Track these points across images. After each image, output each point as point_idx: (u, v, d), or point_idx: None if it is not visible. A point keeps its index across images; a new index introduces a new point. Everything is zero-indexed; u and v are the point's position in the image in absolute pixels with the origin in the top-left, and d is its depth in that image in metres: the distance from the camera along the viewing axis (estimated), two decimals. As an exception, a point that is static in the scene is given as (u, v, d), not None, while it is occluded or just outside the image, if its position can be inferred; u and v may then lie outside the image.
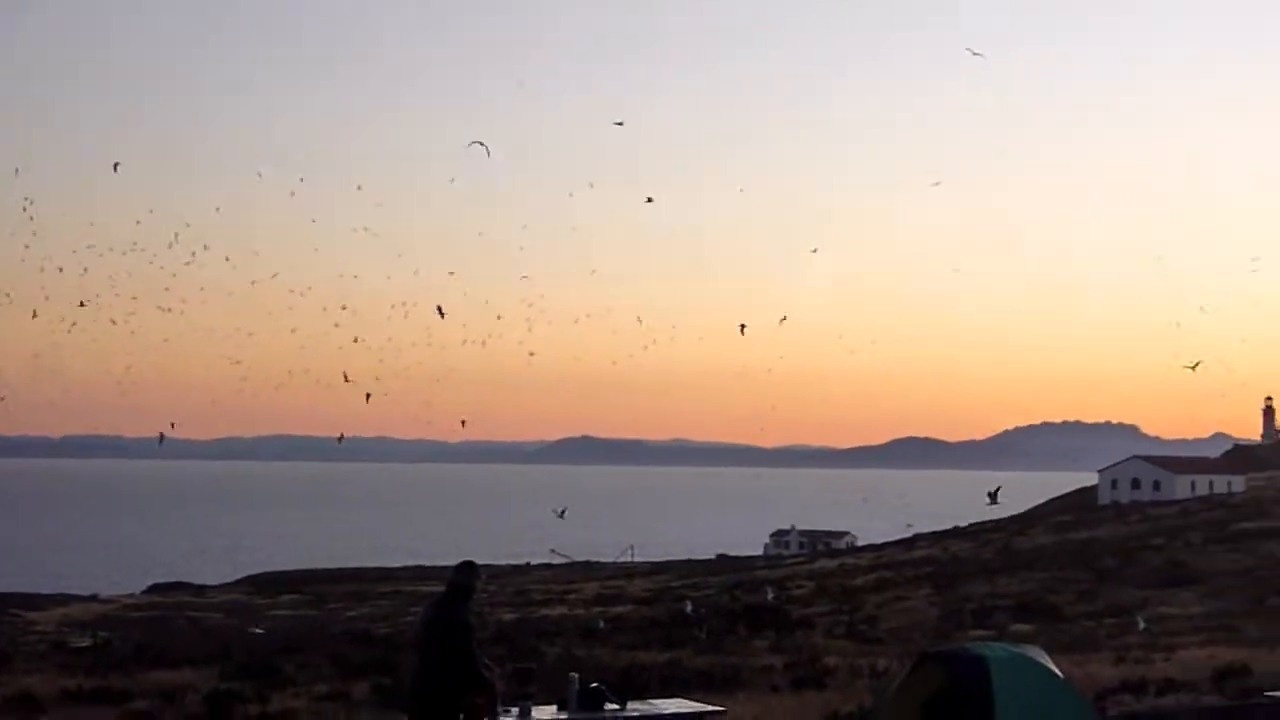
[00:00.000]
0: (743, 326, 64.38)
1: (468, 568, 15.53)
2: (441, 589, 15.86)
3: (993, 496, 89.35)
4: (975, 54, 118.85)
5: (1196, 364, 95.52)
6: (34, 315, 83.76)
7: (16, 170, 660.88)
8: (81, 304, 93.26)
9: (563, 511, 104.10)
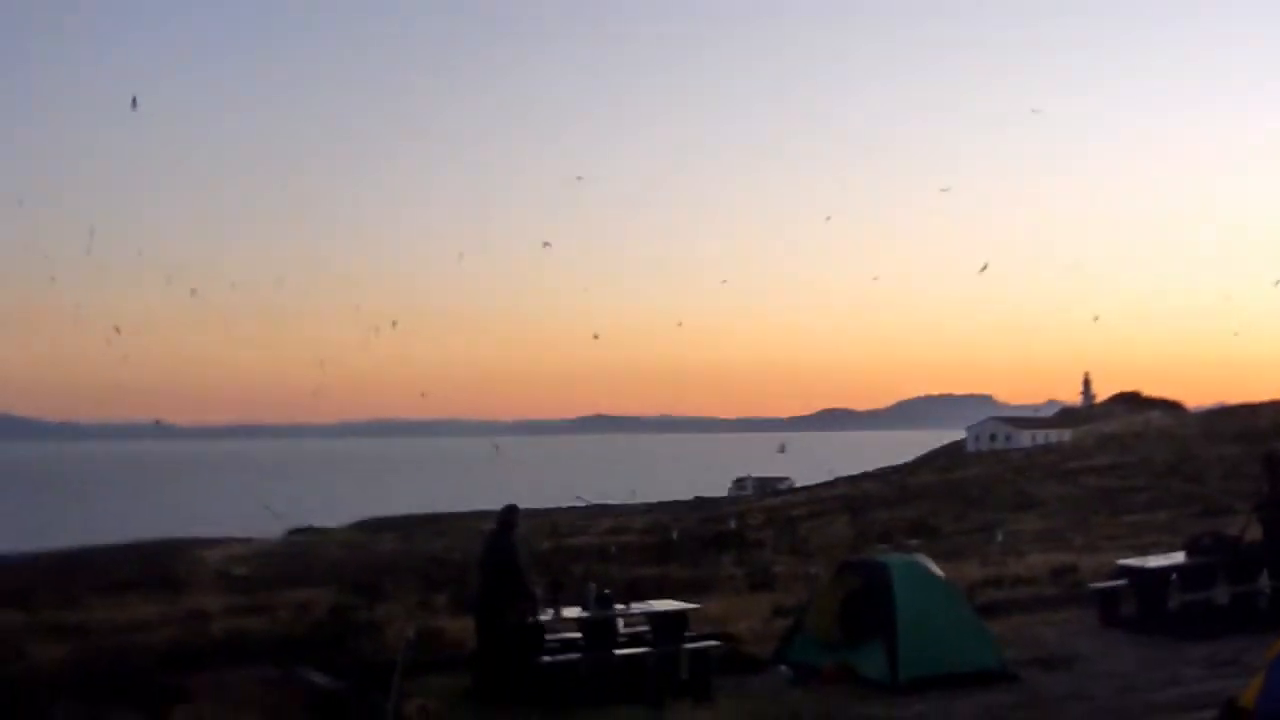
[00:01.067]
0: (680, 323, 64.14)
1: (511, 509, 15.88)
2: (494, 525, 16.03)
3: (781, 449, 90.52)
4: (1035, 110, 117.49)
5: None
6: None
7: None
8: None
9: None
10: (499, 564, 15.40)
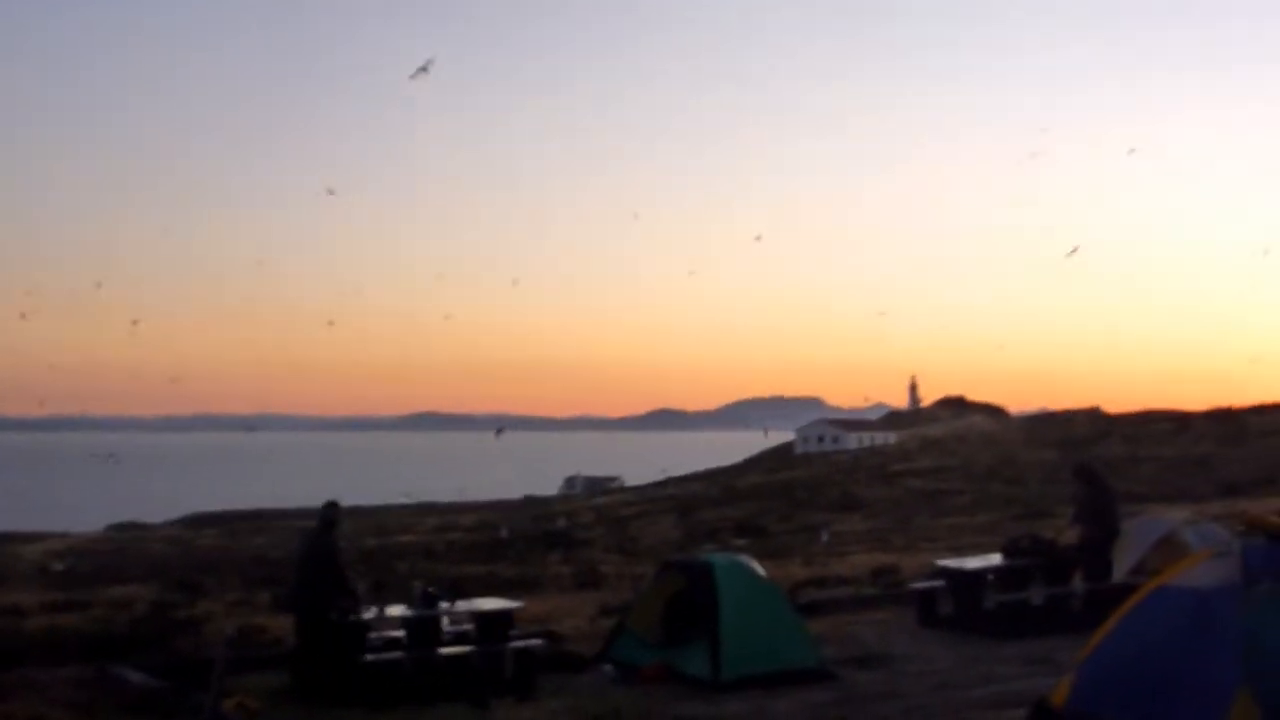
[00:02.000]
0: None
1: (331, 505, 15.74)
2: (315, 522, 15.89)
3: (498, 433, 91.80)
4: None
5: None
6: None
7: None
8: None
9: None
10: (318, 561, 15.25)
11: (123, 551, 63.26)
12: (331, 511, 15.72)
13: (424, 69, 26.96)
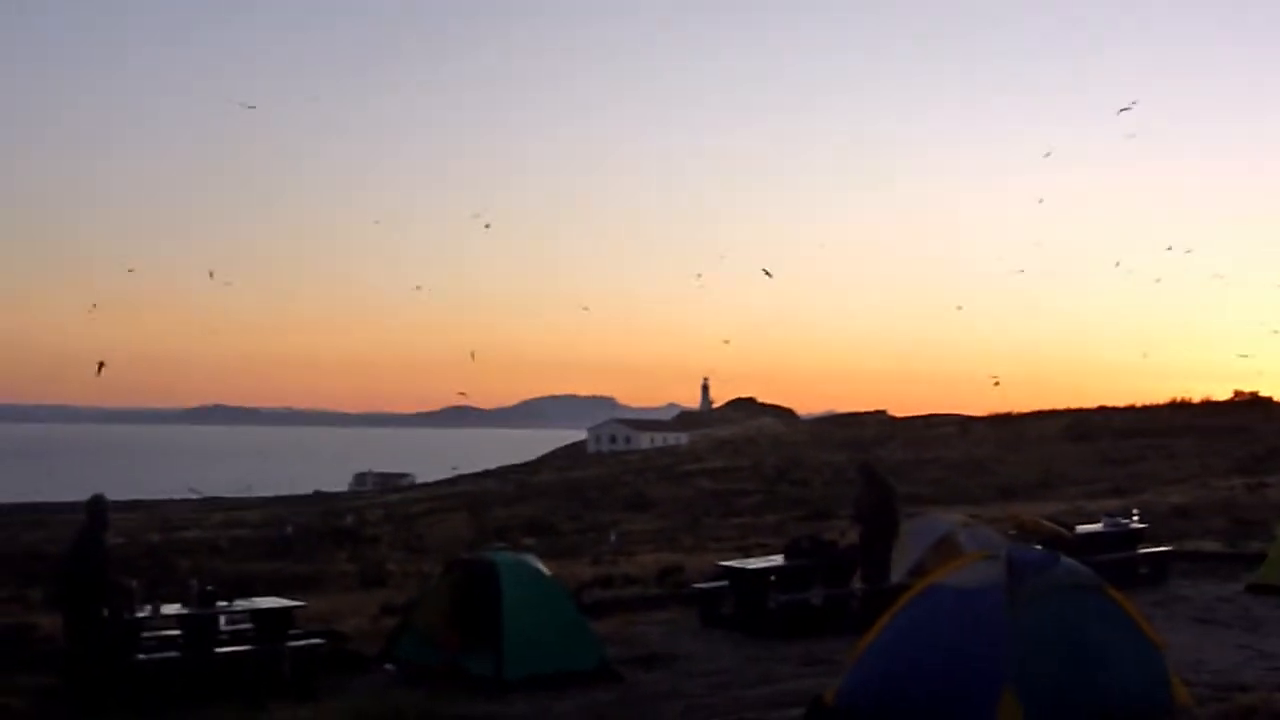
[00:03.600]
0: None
1: (98, 499, 15.23)
2: (83, 516, 15.47)
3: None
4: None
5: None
6: None
7: None
8: None
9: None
10: (82, 558, 14.85)
11: (-112, 546, 60.84)
12: (98, 505, 15.27)
13: None
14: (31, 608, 23.03)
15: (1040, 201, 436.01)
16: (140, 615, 14.79)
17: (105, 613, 14.55)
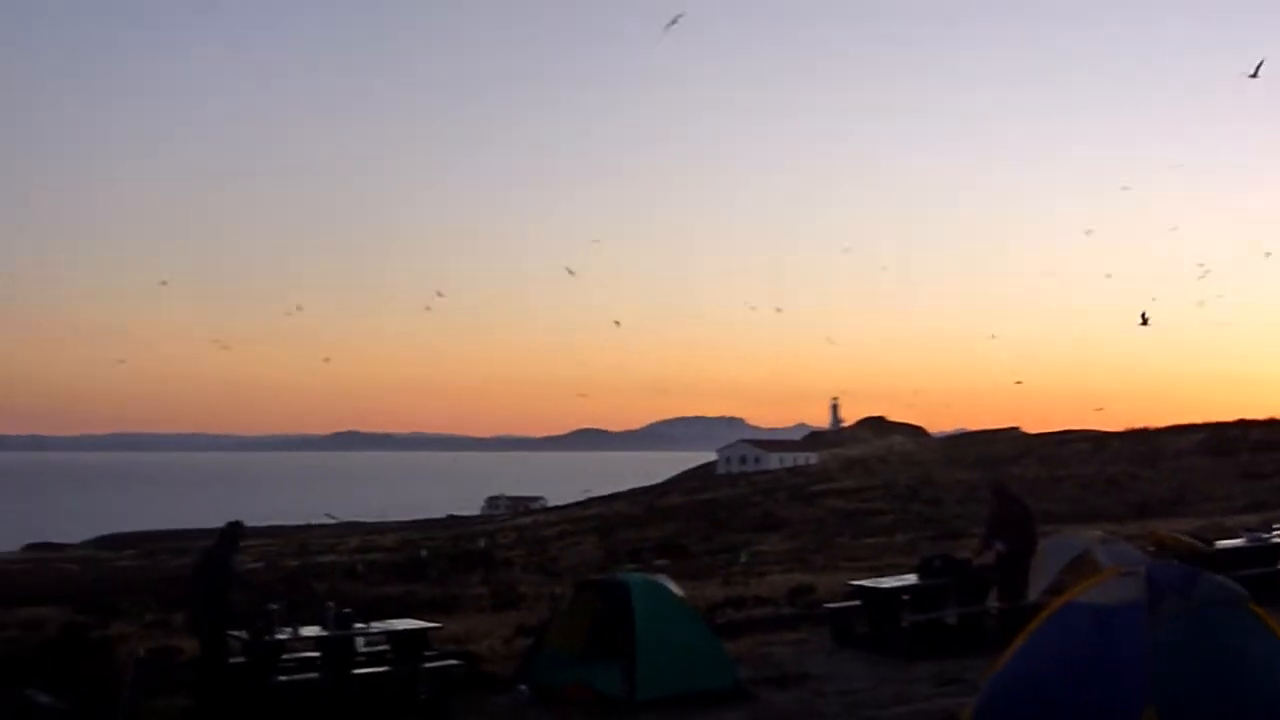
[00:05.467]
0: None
1: (232, 525, 15.63)
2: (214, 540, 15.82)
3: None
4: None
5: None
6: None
7: None
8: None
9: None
10: (210, 579, 15.16)
11: (37, 572, 62.40)
12: (230, 531, 15.63)
13: (674, 21, 26.35)
14: (174, 632, 23.39)
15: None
16: (279, 638, 15.00)
17: (245, 635, 14.80)
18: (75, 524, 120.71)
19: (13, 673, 17.30)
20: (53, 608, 31.39)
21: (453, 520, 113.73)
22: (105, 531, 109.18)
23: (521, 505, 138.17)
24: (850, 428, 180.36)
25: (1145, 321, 33.53)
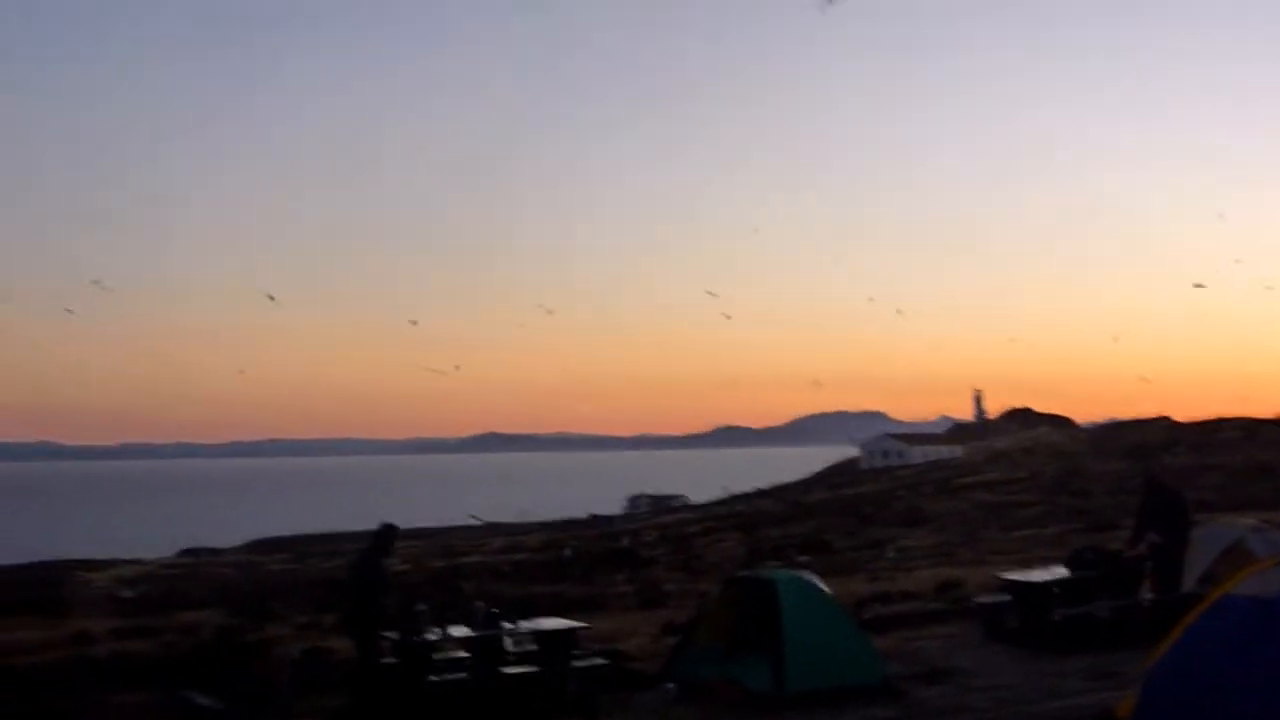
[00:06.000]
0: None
1: (385, 527, 15.91)
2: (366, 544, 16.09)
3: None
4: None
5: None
6: None
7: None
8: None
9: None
10: (364, 581, 15.42)
11: (192, 576, 63.79)
12: (384, 533, 15.89)
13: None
14: (327, 633, 23.80)
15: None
16: (429, 638, 15.22)
17: (396, 635, 15.05)
18: (227, 529, 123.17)
19: (171, 675, 17.76)
20: (209, 611, 32.09)
21: (595, 520, 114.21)
22: (256, 536, 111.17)
23: (663, 504, 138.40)
24: (995, 420, 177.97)
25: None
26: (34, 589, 50.44)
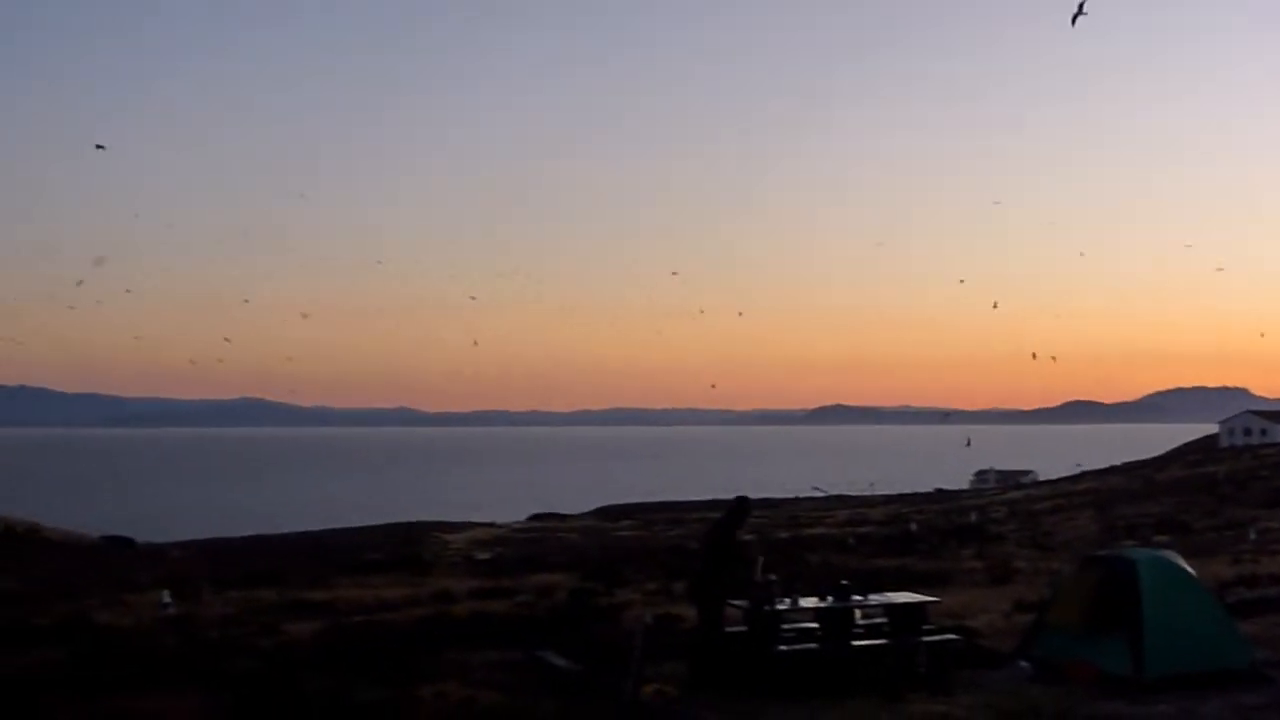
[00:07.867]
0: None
1: (740, 499, 16.06)
2: (720, 514, 16.27)
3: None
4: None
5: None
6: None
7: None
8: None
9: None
10: (718, 551, 15.58)
11: (543, 540, 65.78)
12: (738, 506, 16.04)
13: (1081, 11, 26.16)
14: (674, 600, 24.20)
15: None
16: (779, 608, 15.32)
17: (746, 605, 15.20)
18: (575, 495, 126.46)
19: (528, 635, 18.36)
20: (560, 574, 33.02)
21: (941, 494, 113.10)
22: (602, 503, 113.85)
23: (1010, 479, 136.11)
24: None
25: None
26: (396, 549, 52.89)
